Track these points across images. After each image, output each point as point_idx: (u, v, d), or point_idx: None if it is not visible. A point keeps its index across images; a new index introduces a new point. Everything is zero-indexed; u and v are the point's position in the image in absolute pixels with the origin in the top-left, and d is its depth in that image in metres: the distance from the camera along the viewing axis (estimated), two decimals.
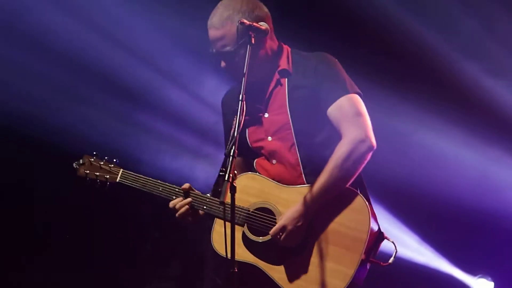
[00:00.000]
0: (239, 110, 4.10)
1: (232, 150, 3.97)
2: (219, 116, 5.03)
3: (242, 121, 4.08)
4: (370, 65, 7.09)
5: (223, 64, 4.59)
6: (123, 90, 7.49)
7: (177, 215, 4.67)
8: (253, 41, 4.29)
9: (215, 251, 4.59)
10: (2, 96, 7.05)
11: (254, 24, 4.39)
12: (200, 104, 7.75)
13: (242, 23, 4.35)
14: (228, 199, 3.93)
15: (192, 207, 4.65)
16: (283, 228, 4.43)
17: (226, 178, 3.91)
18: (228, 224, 3.95)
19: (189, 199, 4.64)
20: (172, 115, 7.66)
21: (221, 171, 3.97)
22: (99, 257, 7.69)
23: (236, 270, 4.00)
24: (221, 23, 4.51)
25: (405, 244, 7.29)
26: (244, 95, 4.13)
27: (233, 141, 4.00)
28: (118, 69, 7.41)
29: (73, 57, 7.26)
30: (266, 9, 4.62)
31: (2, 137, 7.19)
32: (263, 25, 4.46)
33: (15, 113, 7.07)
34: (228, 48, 4.48)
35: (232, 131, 4.04)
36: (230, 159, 3.95)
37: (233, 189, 3.94)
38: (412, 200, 7.25)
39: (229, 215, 3.96)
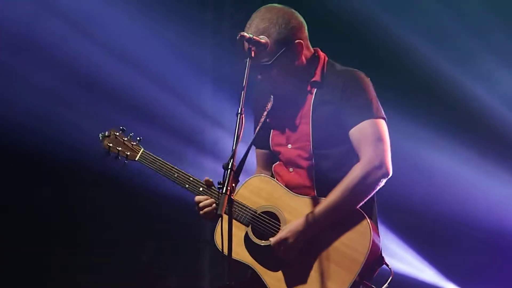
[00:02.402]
0: (237, 124, 4.09)
1: (230, 164, 3.97)
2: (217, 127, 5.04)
3: (241, 136, 4.08)
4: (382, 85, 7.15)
5: (258, 76, 4.52)
6: (123, 100, 7.51)
7: (201, 212, 4.60)
8: (252, 55, 4.28)
9: (212, 261, 4.60)
10: (5, 110, 7.08)
11: (254, 37, 4.36)
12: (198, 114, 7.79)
13: (242, 36, 4.35)
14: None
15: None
16: (284, 241, 4.43)
17: (224, 191, 3.91)
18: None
19: (212, 200, 4.58)
20: (169, 124, 7.69)
21: (219, 183, 3.97)
22: (95, 268, 7.68)
23: (233, 283, 4.01)
24: (258, 35, 4.41)
25: (408, 262, 7.29)
26: (242, 109, 4.12)
27: (231, 154, 4.01)
28: (120, 80, 7.45)
29: (70, 66, 7.29)
30: (301, 18, 4.57)
31: (5, 149, 7.21)
32: (262, 38, 4.43)
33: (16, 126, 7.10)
34: (265, 61, 4.44)
35: (233, 144, 4.05)
36: (228, 172, 3.96)
37: (230, 202, 3.94)
38: (416, 219, 7.24)
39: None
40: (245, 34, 4.35)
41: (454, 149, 7.27)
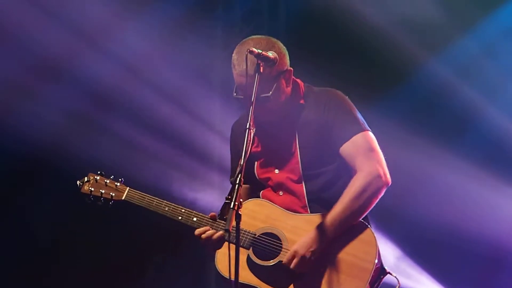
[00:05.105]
0: (246, 139, 4.11)
1: (238, 179, 3.99)
2: (226, 142, 5.05)
3: (249, 150, 4.09)
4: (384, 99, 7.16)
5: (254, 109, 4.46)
6: (131, 114, 7.54)
7: (203, 244, 4.60)
8: (261, 70, 4.30)
9: (218, 278, 4.60)
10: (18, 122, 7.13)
11: (263, 53, 4.37)
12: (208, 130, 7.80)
13: (251, 51, 4.33)
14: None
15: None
16: (296, 254, 4.45)
17: (231, 206, 3.93)
18: (232, 246, 3.98)
19: (220, 233, 4.55)
20: (178, 140, 7.70)
21: (226, 198, 3.98)
22: (100, 281, 7.68)
23: None
24: (254, 69, 4.35)
25: (413, 277, 7.28)
26: (251, 124, 4.14)
27: (239, 169, 4.02)
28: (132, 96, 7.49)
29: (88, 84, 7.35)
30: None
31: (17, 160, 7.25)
32: (271, 54, 4.45)
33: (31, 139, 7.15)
34: (265, 94, 4.48)
35: (240, 160, 4.06)
36: (236, 187, 3.97)
37: (238, 217, 3.96)
38: (418, 232, 7.24)
39: (235, 239, 4.02)
40: (254, 49, 4.35)
41: (457, 162, 7.26)
